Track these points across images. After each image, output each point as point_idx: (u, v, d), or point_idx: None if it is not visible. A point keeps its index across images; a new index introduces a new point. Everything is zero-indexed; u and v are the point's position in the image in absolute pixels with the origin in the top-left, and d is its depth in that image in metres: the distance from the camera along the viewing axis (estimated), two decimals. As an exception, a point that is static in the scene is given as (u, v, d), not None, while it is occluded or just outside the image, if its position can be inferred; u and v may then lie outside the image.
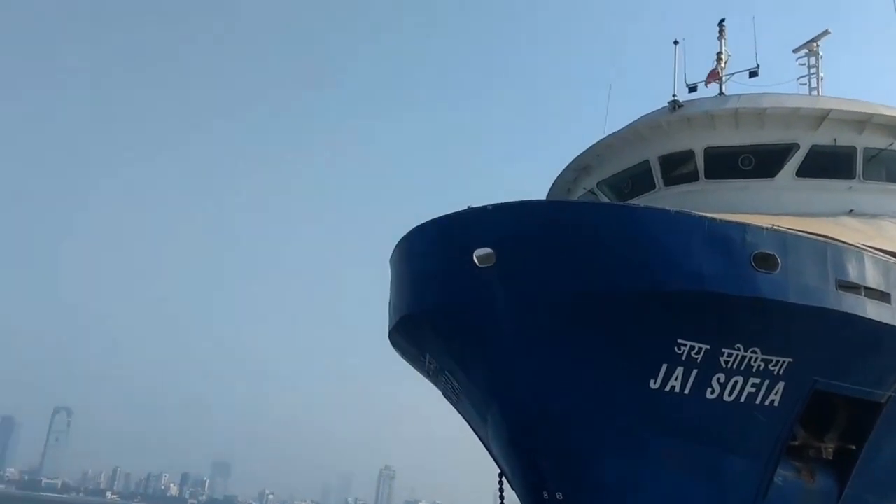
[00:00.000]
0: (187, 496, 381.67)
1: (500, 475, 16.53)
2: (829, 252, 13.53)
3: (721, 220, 13.38)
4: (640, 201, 20.70)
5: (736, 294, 12.74)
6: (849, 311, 13.24)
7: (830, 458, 14.68)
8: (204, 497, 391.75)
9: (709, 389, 13.43)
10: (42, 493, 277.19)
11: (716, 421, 13.71)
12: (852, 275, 13.49)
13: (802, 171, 19.17)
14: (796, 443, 14.54)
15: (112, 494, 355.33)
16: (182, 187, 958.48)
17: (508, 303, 13.16)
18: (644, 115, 21.20)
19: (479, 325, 13.84)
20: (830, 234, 15.75)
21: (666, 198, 20.09)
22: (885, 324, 13.52)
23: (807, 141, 19.20)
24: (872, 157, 19.23)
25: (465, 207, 13.49)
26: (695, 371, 13.27)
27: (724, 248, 12.89)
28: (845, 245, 14.00)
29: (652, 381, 13.32)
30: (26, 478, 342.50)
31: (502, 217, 13.18)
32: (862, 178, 19.13)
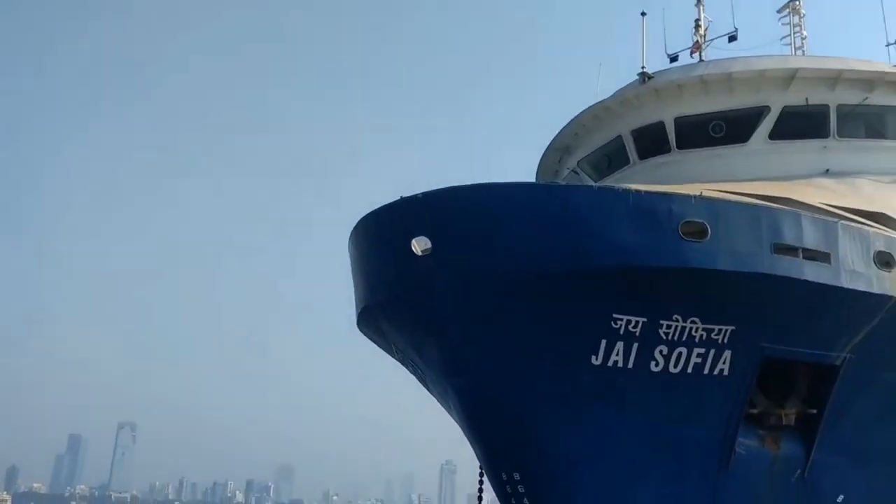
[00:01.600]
0: (253, 502, 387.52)
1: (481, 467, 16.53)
2: (762, 216, 13.24)
3: (646, 192, 13.24)
4: (615, 177, 20.52)
5: (664, 265, 12.58)
6: (786, 275, 12.93)
7: (792, 424, 14.37)
8: (270, 502, 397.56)
9: (653, 362, 13.30)
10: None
11: (665, 393, 13.56)
12: (789, 237, 13.16)
13: (775, 134, 18.77)
14: (756, 411, 14.25)
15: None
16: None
17: (449, 289, 13.22)
18: (618, 90, 21.01)
19: (425, 313, 13.94)
20: (796, 197, 15.42)
21: (640, 172, 19.88)
22: (827, 285, 13.15)
23: (777, 102, 18.79)
24: (846, 113, 18.73)
25: (398, 198, 13.53)
26: (635, 345, 13.15)
27: (651, 219, 12.72)
28: (781, 208, 13.69)
29: (593, 358, 13.23)
30: (96, 493, 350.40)
31: (434, 204, 13.20)
32: (837, 137, 18.66)
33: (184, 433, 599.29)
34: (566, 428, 13.66)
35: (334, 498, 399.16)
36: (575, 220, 12.68)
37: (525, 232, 12.74)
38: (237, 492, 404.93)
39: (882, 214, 16.19)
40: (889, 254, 13.81)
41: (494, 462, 14.63)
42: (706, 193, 13.15)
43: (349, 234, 15.01)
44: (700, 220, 12.69)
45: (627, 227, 12.64)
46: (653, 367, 13.32)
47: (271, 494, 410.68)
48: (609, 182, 20.17)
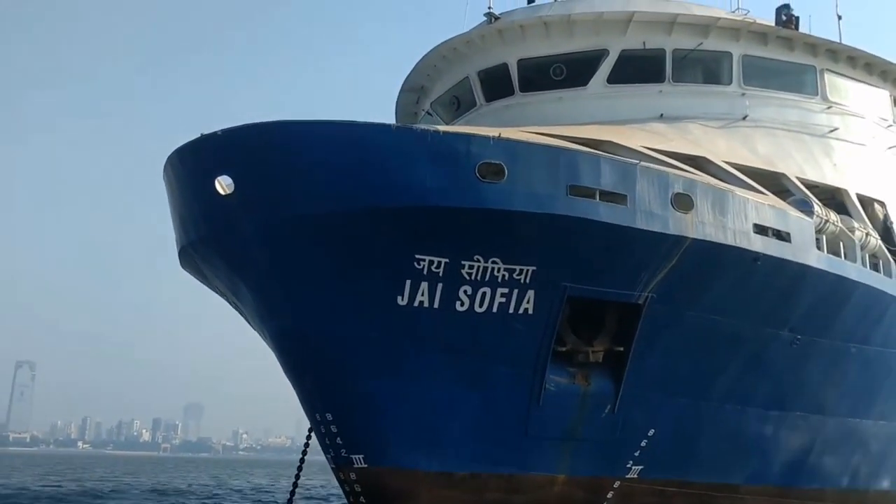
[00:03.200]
0: (160, 440, 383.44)
1: None
2: (560, 159, 13.36)
3: (445, 133, 13.21)
4: (465, 119, 20.49)
5: (461, 206, 12.61)
6: (581, 216, 13.13)
7: (600, 361, 14.77)
8: (177, 441, 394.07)
9: (458, 302, 13.43)
10: (10, 448, 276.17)
11: (472, 332, 13.74)
12: (586, 179, 13.34)
13: (613, 78, 18.92)
14: (565, 349, 14.63)
15: (83, 444, 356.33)
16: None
17: (252, 231, 13.05)
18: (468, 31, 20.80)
19: (233, 257, 13.77)
20: (619, 140, 15.66)
21: (485, 115, 19.87)
22: (623, 226, 13.45)
23: (616, 46, 18.92)
24: (682, 58, 19.01)
25: (198, 135, 13.16)
26: (439, 285, 13.24)
27: (449, 160, 12.70)
28: (579, 150, 13.84)
29: (399, 298, 13.29)
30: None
31: (233, 142, 12.88)
32: (672, 81, 18.95)
33: (86, 372, 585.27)
34: (376, 368, 13.75)
35: (244, 436, 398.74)
36: (374, 159, 12.56)
37: (324, 171, 12.57)
38: (143, 430, 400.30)
39: (704, 159, 16.66)
40: (688, 196, 14.11)
41: (309, 403, 14.70)
42: (505, 135, 13.17)
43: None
44: (497, 162, 12.72)
45: (426, 167, 12.59)
46: (458, 307, 13.47)
47: (178, 433, 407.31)
48: (459, 124, 20.12)
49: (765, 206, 15.24)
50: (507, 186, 12.67)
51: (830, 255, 16.45)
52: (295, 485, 17.43)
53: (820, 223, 16.38)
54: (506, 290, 13.49)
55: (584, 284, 13.87)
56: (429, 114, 22.21)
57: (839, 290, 16.50)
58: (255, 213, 12.85)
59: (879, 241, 18.41)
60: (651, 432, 15.58)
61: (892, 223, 19.70)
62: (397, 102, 23.15)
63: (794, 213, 15.94)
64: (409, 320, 13.44)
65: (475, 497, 14.72)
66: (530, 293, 13.59)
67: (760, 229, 14.97)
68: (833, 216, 16.96)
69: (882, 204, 19.84)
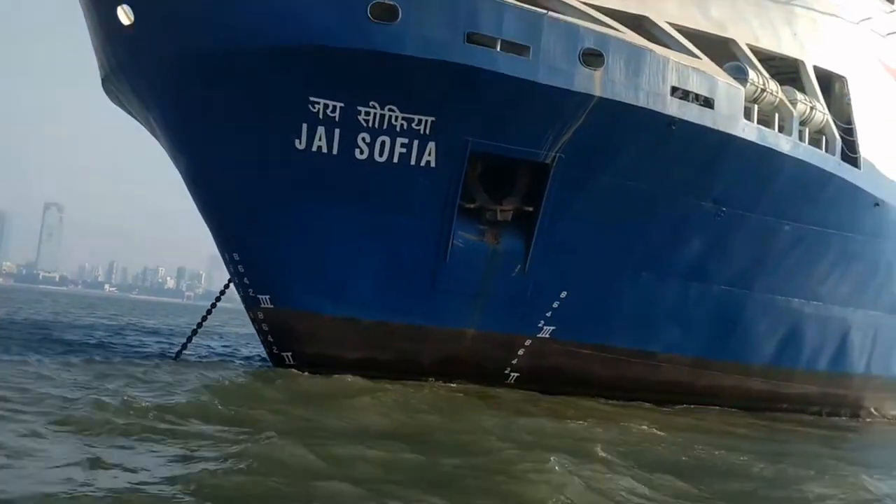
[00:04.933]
0: (184, 289, 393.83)
1: None
2: (460, 3, 12.82)
3: None
4: None
5: (349, 47, 12.30)
6: (478, 66, 12.74)
7: (509, 220, 14.72)
8: (201, 290, 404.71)
9: (357, 150, 13.34)
10: (41, 286, 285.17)
11: (374, 182, 13.70)
12: (486, 27, 12.83)
13: None
14: (473, 206, 14.56)
15: (110, 287, 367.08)
16: None
17: (152, 68, 13.00)
18: None
19: (142, 89, 13.71)
20: None
21: None
22: (523, 79, 13.04)
23: None
24: None
25: None
26: (337, 130, 13.13)
27: None
28: None
29: (297, 142, 13.24)
30: (24, 271, 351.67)
31: None
32: None
33: (113, 219, 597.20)
34: (278, 213, 13.87)
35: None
36: None
37: (216, 7, 12.31)
38: (168, 278, 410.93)
39: (647, 19, 15.91)
40: (598, 52, 13.58)
41: (218, 242, 14.92)
42: None
43: None
44: (391, 2, 12.28)
45: (318, 4, 12.24)
46: (358, 155, 13.37)
47: (202, 282, 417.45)
48: None
49: (687, 69, 14.64)
50: (400, 29, 12.28)
51: (761, 127, 15.91)
52: (195, 330, 17.71)
53: (755, 92, 15.76)
54: (405, 141, 13.33)
55: (487, 140, 13.63)
56: None
57: (768, 163, 16.04)
58: (153, 50, 12.73)
59: (829, 117, 17.69)
60: (563, 294, 15.66)
61: (849, 100, 18.83)
62: None
63: (723, 79, 15.30)
64: (309, 165, 13.40)
65: (382, 345, 15.09)
66: (431, 145, 13.41)
67: (680, 93, 14.47)
68: (773, 86, 16.23)
69: (842, 80, 18.95)
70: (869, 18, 19.76)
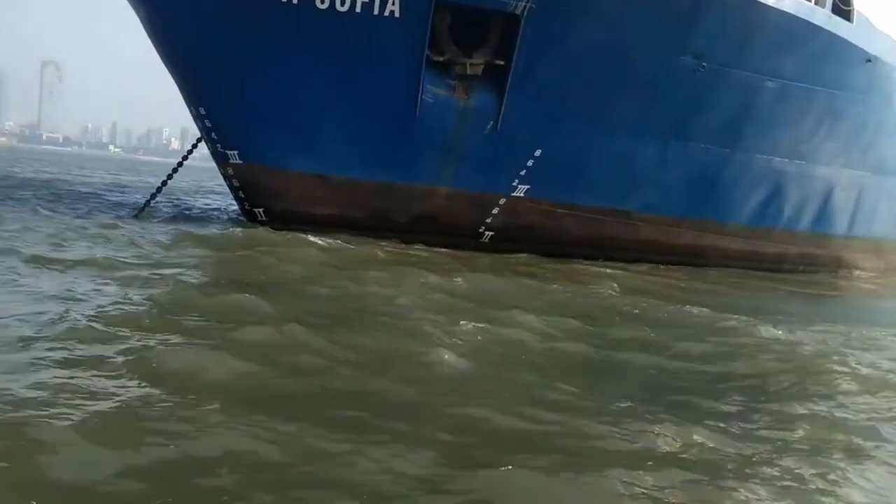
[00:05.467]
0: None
1: None
2: None
3: None
4: None
5: None
6: None
7: (479, 74, 14.36)
8: (205, 151, 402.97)
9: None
10: (44, 146, 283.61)
11: (338, 32, 13.31)
12: None
13: None
14: (443, 59, 14.17)
15: (115, 148, 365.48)
16: None
17: None
18: None
19: None
20: None
21: None
22: None
23: None
24: None
25: None
26: None
27: None
28: None
29: None
30: (27, 132, 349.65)
31: None
32: None
33: (114, 77, 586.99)
34: (242, 66, 13.56)
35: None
36: None
37: None
38: (173, 139, 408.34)
39: None
40: None
41: (185, 95, 14.67)
42: None
43: None
44: None
45: None
46: (319, 5, 12.96)
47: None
48: None
49: None
50: None
51: (742, -24, 15.19)
52: (159, 188, 17.62)
53: None
54: None
55: None
56: None
57: (749, 15, 15.43)
58: None
59: None
60: (538, 153, 15.48)
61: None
62: None
63: None
64: (270, 15, 13.00)
65: (354, 202, 15.09)
66: None
67: None
68: None
69: None
70: None
